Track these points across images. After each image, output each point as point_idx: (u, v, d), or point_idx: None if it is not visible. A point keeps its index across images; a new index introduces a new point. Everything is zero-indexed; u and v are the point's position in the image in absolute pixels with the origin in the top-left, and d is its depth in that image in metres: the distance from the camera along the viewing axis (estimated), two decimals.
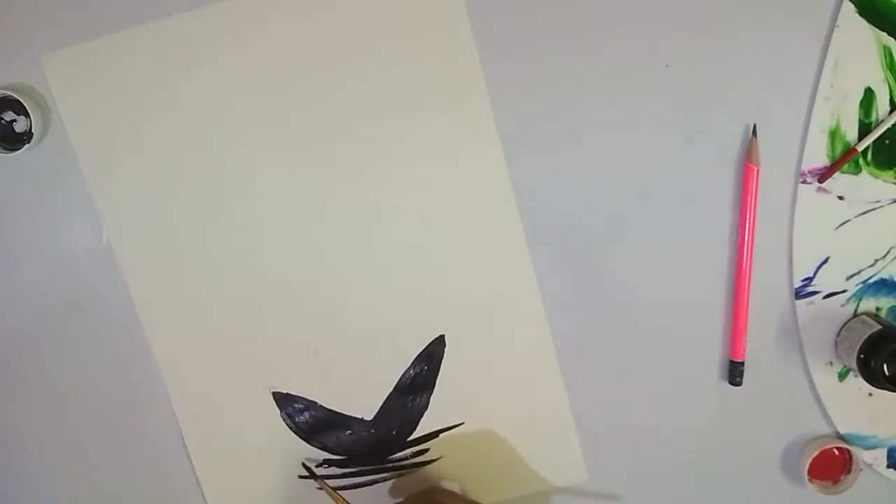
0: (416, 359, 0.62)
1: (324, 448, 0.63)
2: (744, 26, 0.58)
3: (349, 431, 0.63)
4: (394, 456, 0.63)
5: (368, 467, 0.63)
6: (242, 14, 0.58)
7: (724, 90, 0.58)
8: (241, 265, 0.61)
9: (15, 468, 0.64)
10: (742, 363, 0.61)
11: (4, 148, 0.58)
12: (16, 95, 0.57)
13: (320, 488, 0.61)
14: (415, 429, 0.63)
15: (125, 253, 0.61)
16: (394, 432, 0.63)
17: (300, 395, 0.62)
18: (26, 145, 0.58)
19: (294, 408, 0.62)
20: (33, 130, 0.58)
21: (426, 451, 0.63)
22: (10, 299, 0.62)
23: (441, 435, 0.63)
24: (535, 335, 0.61)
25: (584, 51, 0.58)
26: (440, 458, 0.63)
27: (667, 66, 0.58)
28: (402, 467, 0.63)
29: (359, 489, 0.63)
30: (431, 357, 0.62)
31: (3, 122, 0.59)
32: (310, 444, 0.63)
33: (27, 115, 0.57)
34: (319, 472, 0.63)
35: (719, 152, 0.59)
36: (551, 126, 0.59)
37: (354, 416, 0.63)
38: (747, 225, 0.59)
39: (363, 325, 0.61)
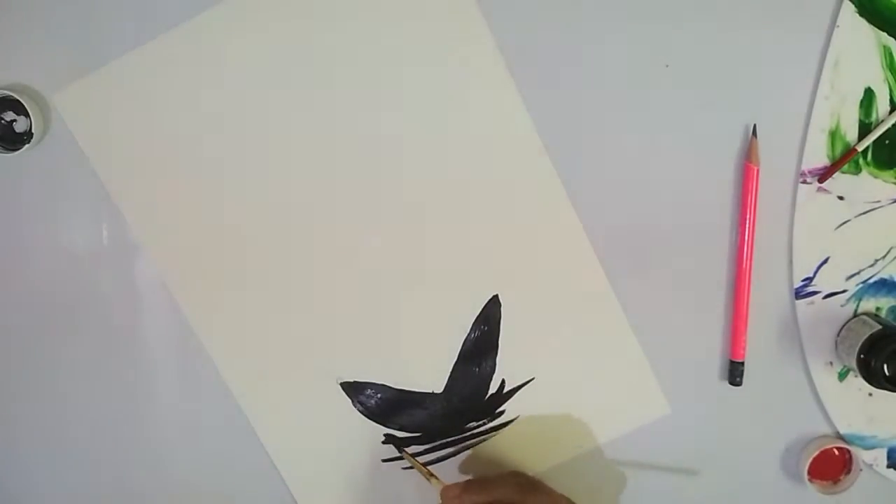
0: (475, 323, 0.61)
1: (401, 428, 0.63)
2: (744, 26, 0.57)
3: (423, 407, 0.63)
4: (471, 424, 0.63)
5: (449, 439, 0.63)
6: (241, 13, 0.58)
7: (724, 90, 0.58)
8: (285, 262, 0.61)
9: (15, 468, 0.64)
10: (742, 363, 0.61)
11: (4, 148, 0.58)
12: (16, 95, 0.57)
13: (409, 467, 0.62)
14: (487, 393, 0.63)
15: (165, 262, 0.61)
16: (467, 400, 0.63)
17: (368, 380, 0.62)
18: (26, 145, 0.58)
19: (365, 394, 0.62)
20: (33, 130, 0.58)
21: (502, 412, 0.63)
22: (11, 299, 0.62)
23: (514, 394, 0.63)
24: (587, 276, 0.60)
25: (583, 51, 0.58)
26: (517, 417, 0.63)
27: (667, 66, 0.58)
28: (483, 433, 0.63)
29: (444, 462, 0.63)
30: (489, 318, 0.61)
31: (3, 122, 0.59)
32: (386, 426, 0.63)
33: (27, 115, 0.57)
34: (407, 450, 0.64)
35: (719, 152, 0.59)
36: (550, 126, 0.59)
37: (425, 391, 0.62)
38: (747, 225, 0.59)
39: (415, 301, 0.61)
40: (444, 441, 0.63)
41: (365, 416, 0.63)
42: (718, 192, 0.60)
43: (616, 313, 0.61)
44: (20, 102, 0.57)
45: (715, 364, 0.62)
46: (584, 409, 0.63)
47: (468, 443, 0.64)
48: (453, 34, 0.58)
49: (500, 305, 0.61)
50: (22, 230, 0.61)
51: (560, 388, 0.62)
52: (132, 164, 0.59)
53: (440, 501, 0.57)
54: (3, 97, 0.58)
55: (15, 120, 0.59)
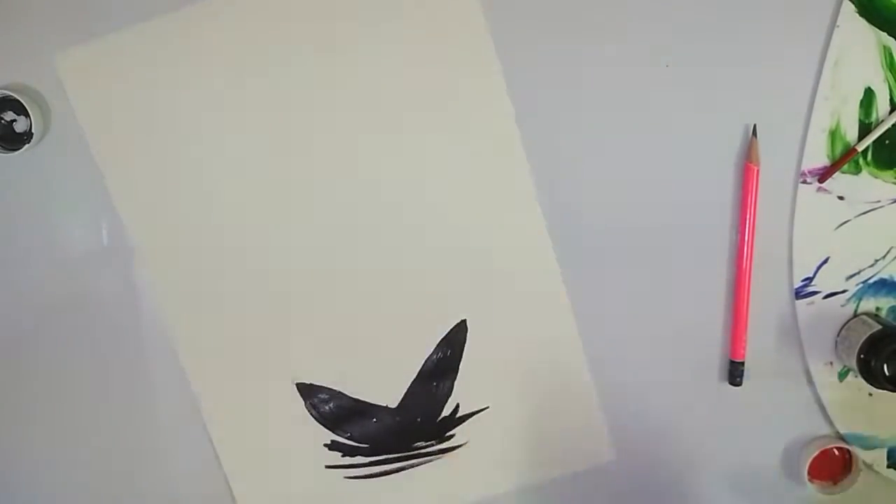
0: (439, 344, 0.62)
1: (349, 437, 0.63)
2: (744, 26, 0.57)
3: (374, 419, 0.63)
4: (419, 443, 0.63)
5: (395, 455, 0.63)
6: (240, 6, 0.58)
7: (724, 90, 0.58)
8: (261, 258, 0.61)
9: (16, 468, 0.64)
10: (742, 363, 0.61)
11: (4, 148, 0.58)
12: (16, 95, 0.57)
13: (352, 476, 0.62)
14: (440, 415, 0.63)
15: (144, 247, 0.61)
16: (419, 419, 0.63)
17: (324, 385, 0.62)
18: (26, 145, 0.58)
19: (318, 398, 0.62)
20: (33, 130, 0.58)
21: (452, 436, 0.63)
22: (10, 299, 0.62)
23: (467, 420, 0.63)
24: (556, 316, 0.61)
25: (583, 51, 0.58)
26: (466, 443, 0.63)
27: (667, 66, 0.58)
28: (429, 454, 0.63)
29: (387, 476, 0.63)
30: (454, 342, 0.61)
31: (3, 122, 0.59)
32: (335, 433, 0.63)
33: (27, 115, 0.57)
34: (346, 461, 0.63)
35: (719, 152, 0.59)
36: (551, 126, 0.59)
37: (379, 403, 0.62)
38: (747, 225, 0.59)
39: (384, 313, 0.61)
40: (390, 457, 0.63)
41: (316, 420, 0.63)
42: (718, 192, 0.60)
43: (578, 357, 0.61)
44: (20, 102, 0.57)
45: (715, 364, 0.62)
46: (531, 445, 0.63)
47: (413, 461, 0.63)
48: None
49: (466, 331, 0.61)
50: (21, 230, 0.61)
51: (511, 421, 0.63)
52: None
53: None
54: (3, 97, 0.58)
55: (15, 120, 0.59)
